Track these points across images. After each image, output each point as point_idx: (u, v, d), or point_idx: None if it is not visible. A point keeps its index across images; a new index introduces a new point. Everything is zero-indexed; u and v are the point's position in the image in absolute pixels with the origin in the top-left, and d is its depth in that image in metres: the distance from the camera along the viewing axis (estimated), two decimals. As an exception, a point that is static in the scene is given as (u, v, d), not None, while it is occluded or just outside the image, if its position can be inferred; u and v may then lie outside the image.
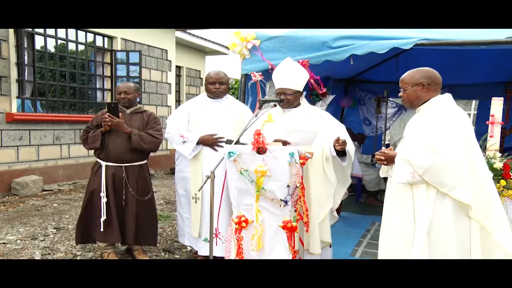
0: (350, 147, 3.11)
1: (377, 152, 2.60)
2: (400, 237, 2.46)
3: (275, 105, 3.16)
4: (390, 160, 2.50)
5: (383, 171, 2.74)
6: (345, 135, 3.13)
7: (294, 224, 2.80)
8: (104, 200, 3.56)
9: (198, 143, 3.54)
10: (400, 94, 2.62)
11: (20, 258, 3.85)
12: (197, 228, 3.62)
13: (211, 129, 3.57)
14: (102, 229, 3.59)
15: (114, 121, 3.54)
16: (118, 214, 3.65)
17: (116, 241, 3.74)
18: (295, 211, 2.88)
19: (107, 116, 3.54)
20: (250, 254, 2.89)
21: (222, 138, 3.53)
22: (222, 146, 3.50)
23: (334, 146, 3.01)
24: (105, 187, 3.59)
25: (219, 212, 3.46)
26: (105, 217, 3.56)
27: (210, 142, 3.56)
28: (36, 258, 3.85)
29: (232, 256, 2.98)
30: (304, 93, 4.11)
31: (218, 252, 3.49)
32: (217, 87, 3.61)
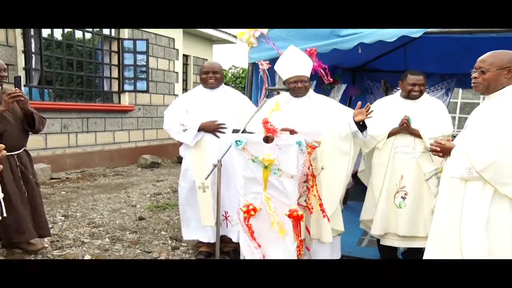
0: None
1: (432, 142, 2.35)
2: (446, 235, 2.22)
3: (278, 93, 3.15)
4: (446, 152, 2.24)
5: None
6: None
7: (300, 213, 2.80)
8: (0, 195, 2.66)
9: (199, 130, 3.52)
10: (474, 75, 2.30)
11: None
12: (211, 216, 3.54)
13: (211, 117, 3.56)
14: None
15: (24, 98, 3.03)
16: (24, 208, 3.28)
17: (34, 236, 3.38)
18: (305, 201, 2.88)
19: (17, 91, 2.97)
20: (262, 241, 2.89)
21: (224, 124, 3.52)
22: (224, 132, 3.50)
23: (354, 117, 3.03)
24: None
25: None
26: (5, 215, 2.53)
27: (211, 128, 3.53)
28: (45, 245, 3.88)
29: (245, 244, 2.95)
30: (314, 82, 4.09)
31: (234, 237, 3.58)
32: (210, 76, 3.63)
